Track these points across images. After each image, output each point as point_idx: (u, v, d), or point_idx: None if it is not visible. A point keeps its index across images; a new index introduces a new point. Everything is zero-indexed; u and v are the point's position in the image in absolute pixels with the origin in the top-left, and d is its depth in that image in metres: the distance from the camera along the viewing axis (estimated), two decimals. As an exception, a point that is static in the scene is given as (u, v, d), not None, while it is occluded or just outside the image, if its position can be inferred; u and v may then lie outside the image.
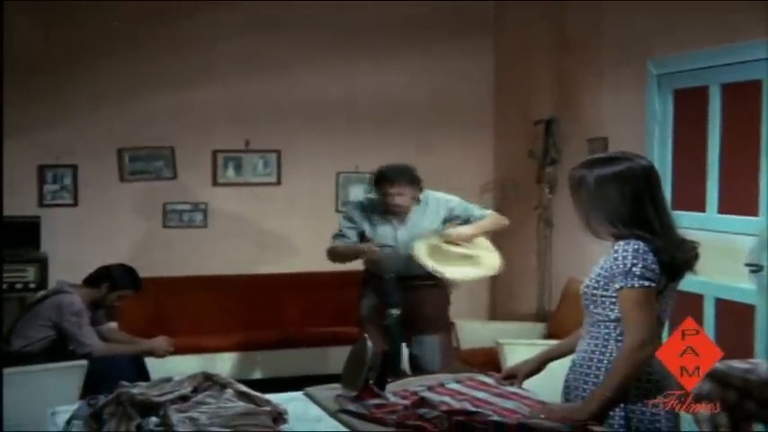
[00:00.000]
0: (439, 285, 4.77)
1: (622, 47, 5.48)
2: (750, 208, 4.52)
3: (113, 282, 4.99)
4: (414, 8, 6.69)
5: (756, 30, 4.36)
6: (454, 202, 4.83)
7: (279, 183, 6.72)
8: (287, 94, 6.61)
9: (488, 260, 4.71)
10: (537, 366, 2.94)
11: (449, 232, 4.63)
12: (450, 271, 4.58)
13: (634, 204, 2.50)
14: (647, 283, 2.44)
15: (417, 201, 4.75)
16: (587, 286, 2.58)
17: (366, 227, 4.77)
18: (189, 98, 6.43)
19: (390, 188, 4.64)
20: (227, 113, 6.56)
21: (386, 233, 4.74)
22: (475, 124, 6.98)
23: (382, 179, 4.67)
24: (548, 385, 2.90)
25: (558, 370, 2.82)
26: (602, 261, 2.56)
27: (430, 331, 4.76)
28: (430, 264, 4.54)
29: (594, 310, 2.57)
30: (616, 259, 2.47)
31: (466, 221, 4.76)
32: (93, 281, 4.99)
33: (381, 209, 4.75)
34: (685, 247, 2.54)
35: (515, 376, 2.97)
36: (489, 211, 4.90)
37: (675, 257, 2.49)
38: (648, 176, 2.55)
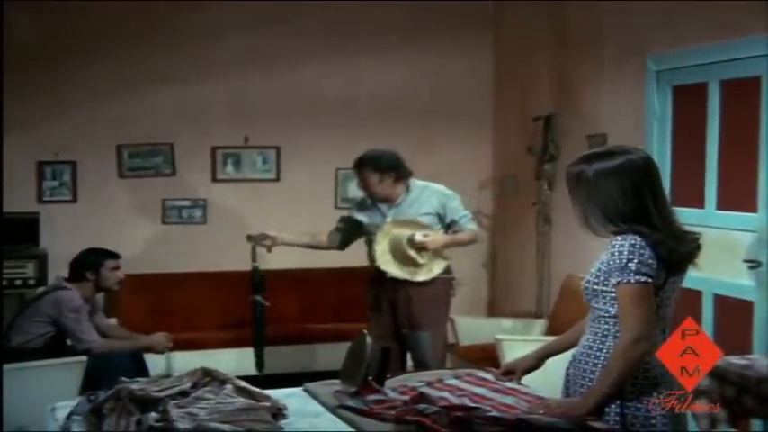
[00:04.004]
0: (436, 276, 4.78)
1: (621, 43, 5.48)
2: (749, 204, 4.52)
3: (90, 264, 4.96)
4: (413, 5, 6.68)
5: (755, 26, 4.36)
6: (451, 197, 4.85)
7: (278, 179, 6.72)
8: (286, 91, 6.61)
9: (432, 270, 4.76)
10: (535, 362, 2.94)
11: (421, 239, 4.64)
12: (410, 274, 4.70)
13: (634, 198, 2.49)
14: (642, 278, 2.43)
15: (406, 189, 4.81)
16: (588, 281, 2.58)
17: (363, 218, 4.89)
18: (188, 94, 6.42)
19: (357, 175, 4.85)
20: (227, 110, 6.56)
21: (376, 221, 4.82)
22: (474, 120, 6.98)
23: (354, 169, 4.88)
24: (546, 381, 2.91)
25: (556, 365, 2.82)
26: (603, 256, 2.56)
27: (420, 327, 4.77)
28: (382, 258, 4.67)
29: (596, 305, 2.57)
30: (612, 254, 2.47)
31: (449, 225, 4.79)
32: (76, 275, 4.96)
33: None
34: (686, 239, 2.54)
35: (514, 372, 2.97)
36: (474, 227, 4.92)
37: (674, 251, 2.48)
38: (648, 169, 2.55)
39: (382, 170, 4.73)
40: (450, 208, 4.80)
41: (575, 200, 2.61)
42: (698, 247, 2.56)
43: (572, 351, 2.68)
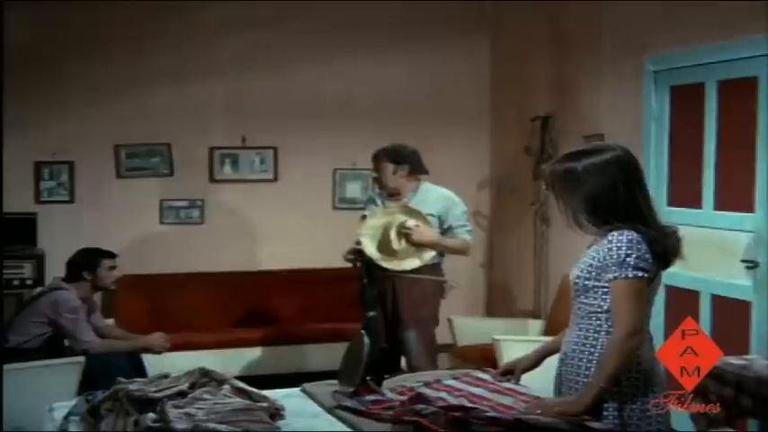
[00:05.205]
0: (421, 277, 4.76)
1: (619, 43, 5.49)
2: (746, 204, 4.53)
3: (87, 264, 4.96)
4: (411, 5, 6.69)
5: (753, 26, 4.37)
6: (458, 204, 4.87)
7: (276, 179, 6.71)
8: (284, 91, 6.61)
9: (401, 264, 4.73)
10: (534, 362, 2.95)
11: (411, 225, 4.64)
12: (388, 261, 4.68)
13: (626, 193, 2.52)
14: (640, 274, 2.45)
15: (414, 189, 4.82)
16: (578, 277, 2.58)
17: (369, 213, 4.88)
18: (186, 94, 6.42)
19: (373, 165, 4.87)
20: (224, 110, 6.56)
21: None
22: (472, 120, 6.98)
23: (372, 157, 4.89)
24: (546, 380, 2.90)
25: (554, 365, 2.82)
26: (593, 251, 2.56)
27: (405, 326, 4.76)
28: (365, 241, 4.66)
29: (585, 301, 2.57)
30: (610, 250, 2.48)
31: (446, 230, 4.79)
32: (73, 276, 4.96)
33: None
34: (669, 233, 2.56)
35: (512, 372, 2.98)
36: (468, 238, 4.87)
37: (668, 246, 2.52)
38: (635, 165, 2.58)
39: (398, 162, 4.80)
40: (453, 214, 4.81)
41: (562, 198, 2.61)
42: (679, 240, 2.57)
43: (563, 349, 2.67)
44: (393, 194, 4.86)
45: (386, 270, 4.70)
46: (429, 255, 4.76)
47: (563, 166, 2.60)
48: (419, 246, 4.70)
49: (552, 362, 2.88)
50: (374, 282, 4.78)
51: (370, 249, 4.68)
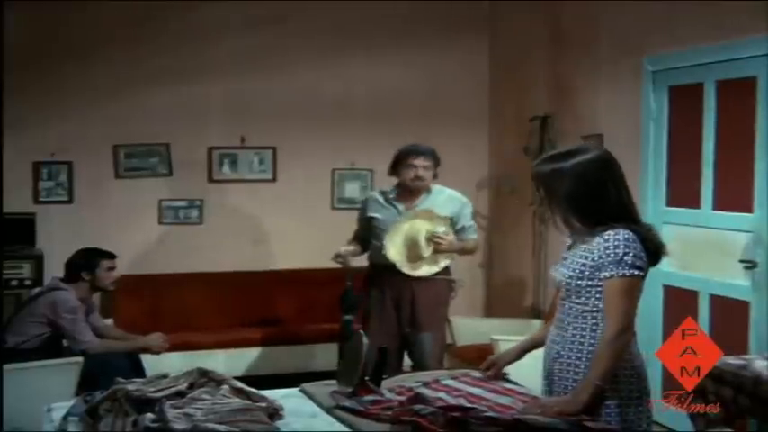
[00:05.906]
0: (437, 278, 4.79)
1: (618, 43, 5.49)
2: (745, 204, 4.53)
3: (86, 265, 4.96)
4: (410, 5, 6.69)
5: (751, 27, 4.38)
6: (467, 204, 4.93)
7: (274, 179, 6.71)
8: (283, 91, 6.61)
9: (427, 269, 4.77)
10: (517, 356, 3.00)
11: (442, 235, 4.68)
12: (409, 266, 4.71)
13: (615, 191, 2.54)
14: (636, 272, 2.47)
15: (428, 189, 4.82)
16: (570, 276, 2.58)
17: (377, 214, 4.85)
18: (185, 95, 6.42)
19: (415, 160, 4.76)
20: (223, 110, 6.56)
21: (391, 218, 4.80)
22: (471, 121, 6.98)
23: (409, 152, 4.80)
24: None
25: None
26: (584, 251, 2.56)
27: (422, 328, 4.78)
28: (389, 245, 4.65)
29: (577, 300, 2.58)
30: (607, 248, 2.49)
31: (458, 231, 4.82)
32: (72, 276, 4.96)
33: (401, 184, 4.83)
34: (653, 230, 2.58)
35: (496, 364, 3.01)
36: (476, 237, 5.03)
37: (660, 245, 2.55)
38: (617, 164, 2.60)
39: (437, 165, 4.83)
40: (464, 215, 4.87)
41: (550, 199, 2.61)
42: (660, 238, 2.60)
43: (555, 348, 2.67)
44: (413, 194, 4.82)
45: (405, 274, 4.71)
46: (447, 258, 4.82)
47: (549, 167, 2.60)
48: (445, 253, 4.76)
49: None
50: (384, 285, 4.79)
51: (396, 256, 4.69)
